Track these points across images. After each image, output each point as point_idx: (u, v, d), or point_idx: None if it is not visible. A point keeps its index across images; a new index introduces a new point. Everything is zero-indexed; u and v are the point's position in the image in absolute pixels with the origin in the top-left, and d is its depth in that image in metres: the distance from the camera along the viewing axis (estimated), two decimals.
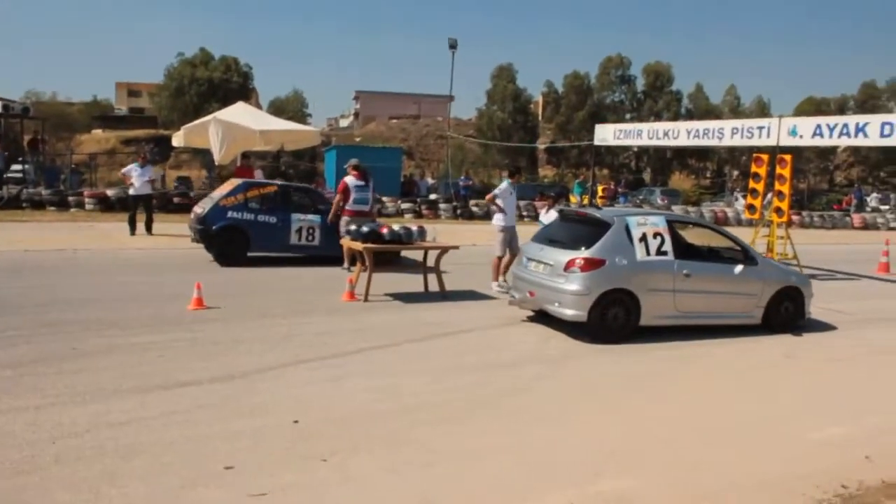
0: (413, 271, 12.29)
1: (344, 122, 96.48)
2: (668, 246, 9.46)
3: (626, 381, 7.65)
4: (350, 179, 13.60)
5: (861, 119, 15.46)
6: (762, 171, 17.16)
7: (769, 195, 29.54)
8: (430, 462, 5.38)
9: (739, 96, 62.69)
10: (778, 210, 16.67)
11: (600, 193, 37.12)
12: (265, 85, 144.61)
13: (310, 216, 14.57)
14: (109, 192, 25.43)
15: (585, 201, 30.92)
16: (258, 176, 21.31)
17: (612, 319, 9.18)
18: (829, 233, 33.14)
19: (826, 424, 6.57)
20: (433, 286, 11.87)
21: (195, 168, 44.92)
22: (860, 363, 8.93)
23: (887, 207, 42.32)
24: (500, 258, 12.55)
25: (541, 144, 57.65)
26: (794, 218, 32.70)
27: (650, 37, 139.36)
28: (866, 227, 36.39)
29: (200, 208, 14.59)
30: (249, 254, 14.09)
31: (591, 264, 9.10)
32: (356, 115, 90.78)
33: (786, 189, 16.51)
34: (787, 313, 10.27)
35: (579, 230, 9.91)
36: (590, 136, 46.55)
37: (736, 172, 56.66)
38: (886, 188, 52.48)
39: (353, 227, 11.77)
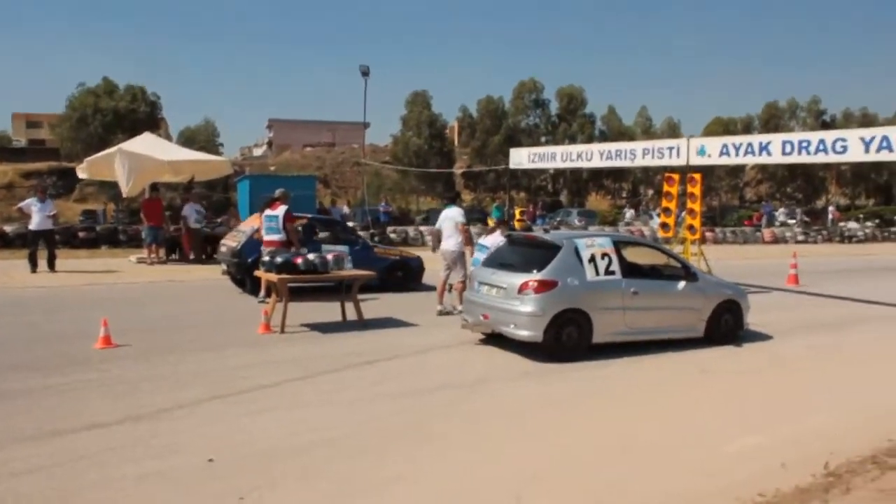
0: (330, 300, 12.34)
1: (258, 152, 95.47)
2: (615, 265, 9.79)
3: (548, 402, 7.76)
4: (268, 210, 13.50)
5: (764, 138, 16.26)
6: (674, 189, 18.01)
7: (682, 213, 30.91)
8: (348, 494, 5.33)
9: (651, 117, 65.16)
10: (690, 227, 17.46)
11: (518, 216, 37.84)
12: (175, 114, 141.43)
13: (339, 246, 14.86)
14: (7, 228, 24.53)
15: (490, 224, 31.43)
16: (187, 211, 20.90)
17: (567, 338, 9.41)
18: (741, 248, 34.69)
19: (741, 436, 6.78)
20: (351, 316, 11.88)
21: (101, 201, 43.42)
22: (770, 374, 9.29)
23: (794, 222, 44.43)
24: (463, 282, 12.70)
25: (457, 169, 58.37)
26: (708, 234, 34.12)
27: (562, 60, 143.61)
28: (776, 241, 38.24)
29: (234, 242, 15.19)
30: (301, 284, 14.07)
31: (544, 286, 9.33)
32: (270, 144, 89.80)
33: (697, 207, 17.31)
34: (727, 326, 10.75)
35: (530, 253, 10.13)
36: (506, 160, 47.63)
37: (651, 191, 58.80)
38: (793, 203, 55.19)
39: (266, 259, 11.75)
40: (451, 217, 13.10)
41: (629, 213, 44.73)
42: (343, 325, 11.71)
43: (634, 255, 10.68)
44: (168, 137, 49.49)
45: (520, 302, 9.39)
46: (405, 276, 16.30)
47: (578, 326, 9.48)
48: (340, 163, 65.71)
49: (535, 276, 9.44)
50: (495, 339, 10.38)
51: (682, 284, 10.34)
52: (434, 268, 14.71)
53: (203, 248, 21.07)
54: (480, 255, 11.70)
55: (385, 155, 64.35)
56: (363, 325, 11.63)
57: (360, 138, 75.64)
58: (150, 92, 51.29)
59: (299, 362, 9.18)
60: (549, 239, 10.14)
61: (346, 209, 33.86)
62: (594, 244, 9.84)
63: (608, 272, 9.73)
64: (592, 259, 9.69)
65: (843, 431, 6.96)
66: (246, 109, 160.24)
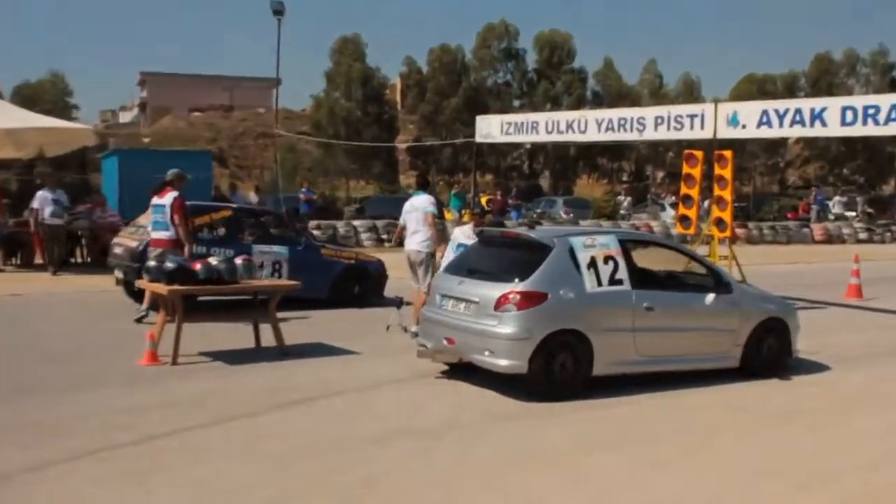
0: (240, 320, 12.46)
1: (126, 117, 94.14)
2: (623, 272, 10.03)
3: (536, 455, 7.88)
4: (156, 198, 13.61)
5: (817, 103, 16.79)
6: (696, 171, 18.29)
7: (706, 203, 31.40)
8: None
9: (661, 74, 66.41)
10: (719, 222, 17.82)
11: (485, 206, 38.16)
12: (7, 66, 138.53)
13: (275, 247, 15.45)
14: None
15: (465, 217, 31.72)
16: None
17: (560, 369, 9.62)
18: (783, 248, 35.66)
19: (790, 495, 6.97)
20: (268, 340, 11.96)
21: None
22: (827, 415, 9.61)
23: (854, 214, 45.42)
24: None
25: (401, 143, 58.61)
26: (739, 231, 34.81)
27: None
28: (830, 239, 39.41)
29: (133, 241, 15.27)
30: (200, 298, 14.08)
31: (529, 299, 9.50)
32: (143, 106, 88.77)
33: (727, 194, 17.67)
34: (770, 352, 11.09)
35: (510, 256, 10.33)
36: (465, 130, 47.84)
37: (661, 174, 59.78)
38: (852, 190, 56.22)
39: (152, 263, 11.78)
40: (418, 207, 13.45)
41: (625, 200, 45.33)
42: (257, 354, 11.79)
43: (648, 259, 10.96)
44: None
45: (497, 321, 9.55)
46: (362, 286, 16.56)
47: (574, 353, 9.68)
48: (241, 133, 65.45)
49: (517, 287, 9.61)
50: (464, 370, 10.54)
51: (711, 298, 10.63)
52: (399, 275, 14.87)
53: (62, 251, 20.91)
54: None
55: (303, 123, 64.28)
56: (284, 352, 11.71)
57: (269, 99, 75.22)
58: None
59: (200, 403, 9.20)
60: (536, 237, 10.33)
61: (252, 196, 33.72)
62: (595, 244, 10.07)
63: (613, 281, 9.97)
64: (593, 264, 9.91)
65: None
66: (109, 59, 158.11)
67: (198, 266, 11.32)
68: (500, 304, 9.58)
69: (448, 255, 12.42)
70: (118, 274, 15.88)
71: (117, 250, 15.99)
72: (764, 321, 11.03)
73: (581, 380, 9.77)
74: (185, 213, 13.33)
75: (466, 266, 10.63)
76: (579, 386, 9.75)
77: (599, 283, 9.90)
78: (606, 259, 10.02)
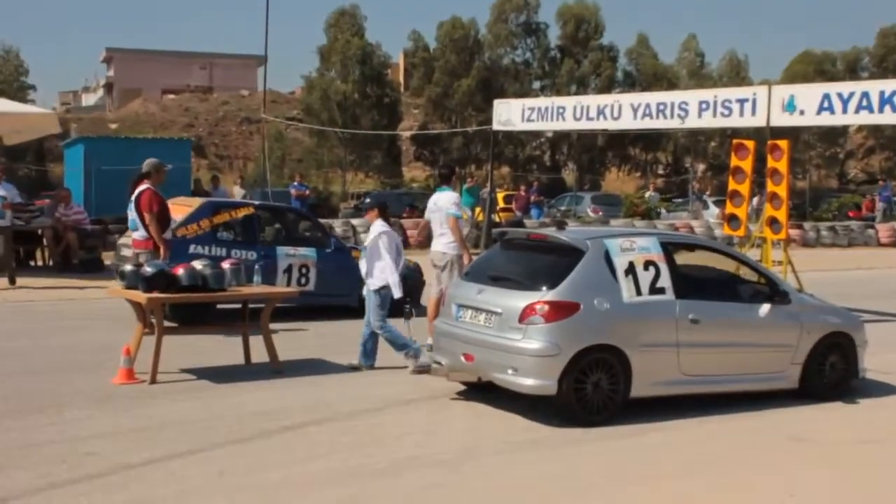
0: (227, 333, 12.56)
1: (90, 99, 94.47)
2: (665, 280, 10.07)
3: (569, 488, 7.92)
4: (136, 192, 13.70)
5: (887, 86, 16.79)
6: (747, 164, 18.30)
7: (755, 199, 31.35)
8: None
9: (703, 52, 66.23)
10: (773, 222, 17.83)
11: (502, 204, 38.22)
12: None
13: (302, 250, 15.90)
14: None
15: (479, 217, 31.77)
16: None
17: (594, 390, 9.65)
18: (844, 252, 35.70)
19: None
20: (260, 355, 12.03)
21: None
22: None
23: None
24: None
25: (405, 131, 58.68)
26: (794, 233, 34.82)
27: None
28: None
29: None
30: (220, 306, 14.44)
31: (559, 310, 9.53)
32: (108, 87, 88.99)
33: (782, 191, 17.68)
34: (834, 372, 11.11)
35: (536, 261, 10.39)
36: (481, 117, 47.82)
37: (702, 167, 59.73)
38: None
39: (127, 267, 11.85)
40: (441, 207, 13.53)
41: (652, 195, 45.17)
42: (247, 372, 11.88)
43: (693, 265, 11.01)
44: None
45: (522, 335, 9.60)
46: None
47: (611, 372, 9.72)
48: (222, 118, 65.55)
49: (545, 296, 9.66)
50: (483, 391, 10.60)
51: (766, 309, 10.65)
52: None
53: (10, 256, 20.94)
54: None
55: (293, 108, 64.37)
56: (277, 370, 11.77)
57: (254, 80, 75.21)
58: None
59: (182, 428, 9.23)
60: (567, 239, 10.37)
61: (237, 191, 33.84)
62: (634, 247, 10.11)
63: (655, 290, 10.01)
64: (631, 270, 9.95)
65: None
66: (70, 33, 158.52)
67: (180, 271, 11.33)
68: (525, 315, 9.62)
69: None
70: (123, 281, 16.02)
71: (125, 252, 16.05)
72: (826, 336, 11.05)
73: (618, 402, 9.80)
74: (161, 209, 13.35)
75: (487, 272, 10.67)
76: (615, 409, 9.79)
77: (639, 292, 9.93)
78: (647, 264, 10.05)
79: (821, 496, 7.95)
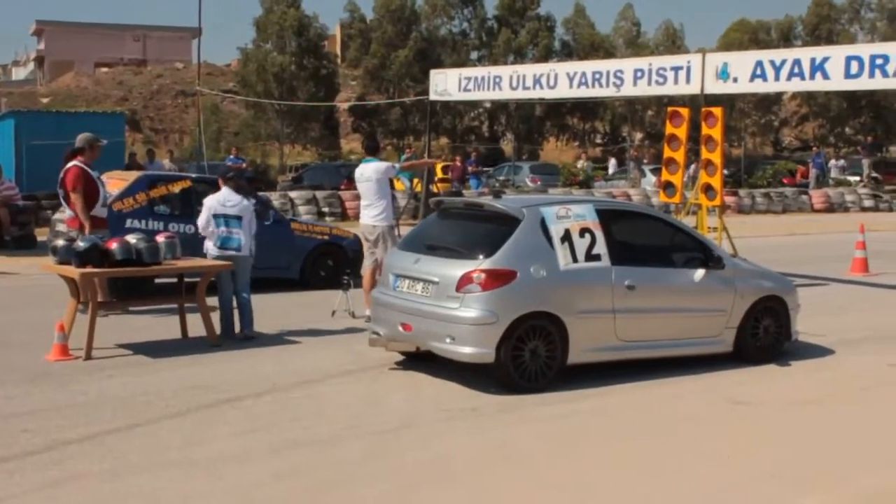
0: (166, 310, 12.44)
1: (20, 73, 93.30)
2: (601, 247, 10.14)
3: (509, 456, 7.97)
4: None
5: (818, 52, 16.90)
6: (681, 132, 18.39)
7: (692, 167, 31.55)
8: None
9: (639, 22, 66.60)
10: (707, 189, 17.98)
11: (440, 174, 38.19)
12: None
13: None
14: None
15: (418, 187, 31.79)
16: None
17: (531, 357, 9.71)
18: (779, 218, 36.03)
19: (796, 498, 7.11)
20: (197, 330, 12.00)
21: None
22: (833, 406, 9.77)
23: (858, 179, 45.95)
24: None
25: (343, 103, 58.40)
26: (730, 199, 35.20)
27: None
28: (831, 208, 39.84)
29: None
30: (159, 280, 14.29)
31: (496, 278, 9.57)
32: (39, 60, 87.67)
33: (717, 158, 17.78)
34: (767, 335, 11.28)
35: (472, 230, 10.43)
36: (418, 88, 47.83)
37: (639, 136, 60.11)
38: (854, 152, 56.74)
39: (59, 242, 11.76)
40: (370, 177, 13.44)
41: (586, 165, 45.25)
42: (184, 346, 11.80)
43: (628, 232, 11.03)
44: None
45: (459, 303, 9.64)
46: (337, 265, 16.77)
47: (548, 338, 9.79)
48: (156, 92, 64.82)
49: (481, 264, 9.69)
50: (422, 360, 10.65)
51: (700, 274, 10.78)
52: None
53: None
54: (235, 233, 12.14)
55: (229, 80, 63.84)
56: (214, 343, 11.75)
57: (188, 52, 74.62)
58: None
59: (120, 404, 9.19)
60: (503, 208, 10.37)
61: (167, 164, 33.54)
62: (569, 215, 10.16)
63: (591, 257, 10.08)
64: (567, 237, 10.00)
65: None
66: None
67: (114, 245, 11.24)
68: (462, 283, 9.65)
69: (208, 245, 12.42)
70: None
71: (60, 227, 15.95)
72: (760, 300, 11.21)
73: (555, 369, 9.88)
74: (88, 186, 13.11)
75: (424, 241, 10.68)
76: (553, 376, 9.86)
77: (575, 259, 9.99)
78: (582, 232, 10.11)
79: (757, 457, 8.04)
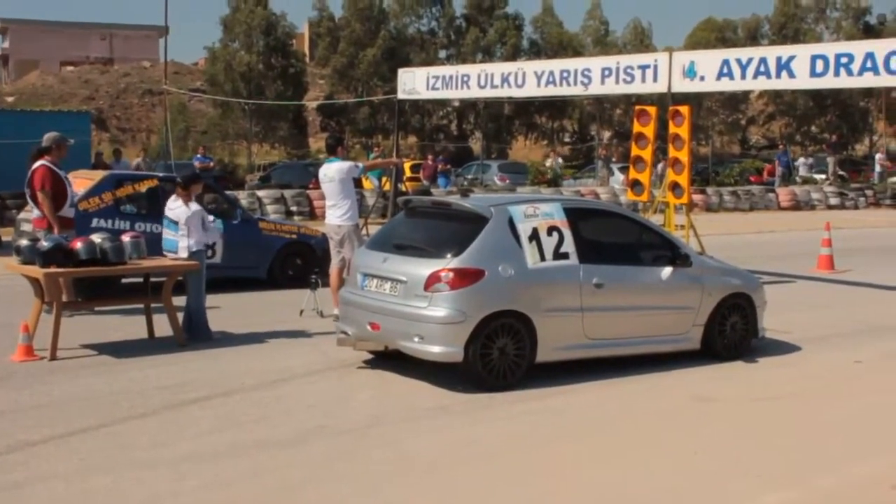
0: (133, 310, 12.38)
1: None
2: (568, 245, 10.20)
3: (476, 453, 8.02)
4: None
5: (784, 51, 16.95)
6: (649, 130, 18.47)
7: (660, 165, 31.65)
8: None
9: (607, 21, 66.71)
10: (675, 187, 18.02)
11: (409, 173, 38.19)
12: None
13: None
14: None
15: (387, 186, 31.74)
16: None
17: (499, 355, 9.76)
18: (746, 216, 36.21)
19: (761, 493, 7.17)
20: (164, 329, 11.97)
21: None
22: (798, 402, 9.86)
23: (824, 177, 46.30)
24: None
25: (311, 102, 58.26)
26: (697, 197, 35.32)
27: None
28: (798, 206, 40.09)
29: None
30: (126, 280, 14.23)
31: (464, 277, 9.62)
32: (3, 59, 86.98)
33: (684, 156, 17.78)
34: (734, 332, 11.39)
35: (440, 229, 10.49)
36: (387, 87, 47.57)
37: (608, 134, 60.26)
38: (820, 150, 57.13)
39: (24, 242, 11.71)
40: (333, 177, 13.49)
41: (556, 162, 45.18)
42: (150, 346, 11.77)
43: (596, 230, 11.09)
44: None
45: (428, 303, 9.68)
46: (305, 264, 16.68)
47: (516, 337, 9.85)
48: (123, 90, 64.38)
49: (449, 263, 9.73)
50: (390, 359, 10.66)
51: (667, 272, 10.87)
52: None
53: None
54: (171, 235, 12.08)
55: (196, 79, 63.51)
56: (180, 343, 11.73)
57: (155, 51, 74.18)
58: None
59: (85, 404, 9.17)
60: (471, 206, 10.43)
61: (137, 163, 33.39)
62: (537, 213, 10.21)
63: (558, 255, 10.14)
64: (535, 236, 10.05)
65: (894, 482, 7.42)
66: None
67: (78, 245, 11.20)
68: (430, 283, 9.69)
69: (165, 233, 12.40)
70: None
71: (25, 227, 15.95)
72: (727, 297, 11.30)
73: (523, 367, 9.93)
74: (56, 186, 13.07)
75: (392, 241, 10.71)
76: (521, 374, 9.92)
77: (542, 258, 10.05)
78: (550, 230, 10.16)
79: (723, 453, 8.12)
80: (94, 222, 14.63)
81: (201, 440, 8.18)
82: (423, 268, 9.83)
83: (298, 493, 7.06)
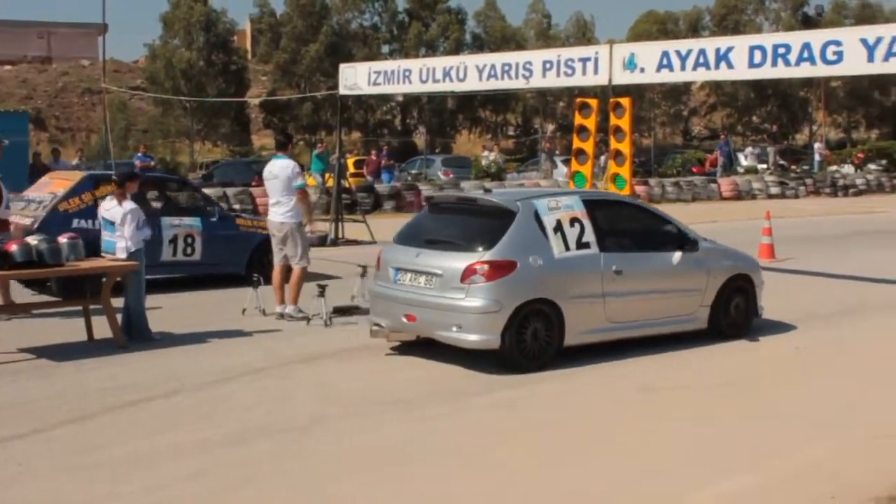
0: (71, 312, 12.35)
1: None
2: (589, 235, 10.87)
3: (411, 449, 8.19)
4: None
5: (722, 42, 17.23)
6: (590, 122, 18.43)
7: (602, 157, 32.17)
8: None
9: (549, 14, 67.24)
10: (617, 178, 18.21)
11: (352, 169, 38.34)
12: None
13: (186, 220, 16.07)
14: None
15: (330, 182, 31.96)
16: None
17: (532, 339, 10.40)
18: (688, 207, 36.23)
19: (715, 478, 7.37)
20: (104, 332, 11.88)
21: None
22: (749, 386, 10.26)
23: (765, 167, 47.15)
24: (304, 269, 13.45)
25: (253, 98, 58.11)
26: (640, 189, 35.68)
27: None
28: (739, 195, 40.92)
29: (25, 218, 14.99)
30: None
31: (498, 269, 10.22)
32: None
33: (626, 148, 18.04)
34: (738, 311, 12.14)
35: (469, 223, 11.10)
36: (330, 83, 47.17)
37: (551, 127, 60.79)
38: (761, 140, 57.97)
39: None
40: (278, 175, 13.45)
41: (496, 157, 45.57)
42: (90, 348, 11.70)
43: (611, 220, 11.77)
44: None
45: (465, 294, 10.25)
46: None
47: (546, 322, 10.49)
48: (62, 89, 63.57)
49: (483, 256, 10.31)
50: (331, 357, 11.20)
51: (677, 256, 11.57)
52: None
53: None
54: (108, 236, 12.17)
55: (136, 77, 62.91)
56: (120, 345, 11.69)
57: (94, 49, 72.81)
58: None
59: (22, 409, 9.17)
60: (498, 201, 11.04)
61: (75, 163, 33.20)
62: (560, 206, 10.87)
63: (581, 245, 10.81)
64: (559, 227, 10.70)
65: (848, 465, 7.76)
66: None
67: (13, 247, 11.16)
68: (466, 275, 10.25)
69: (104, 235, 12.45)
70: None
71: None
72: (730, 279, 12.04)
73: (552, 351, 10.58)
74: None
75: (422, 236, 11.23)
76: (551, 356, 10.57)
77: (567, 248, 10.70)
78: (572, 221, 10.81)
79: (675, 441, 8.38)
80: (75, 223, 14.72)
81: (141, 442, 8.14)
82: (458, 261, 10.38)
83: (239, 492, 7.08)
